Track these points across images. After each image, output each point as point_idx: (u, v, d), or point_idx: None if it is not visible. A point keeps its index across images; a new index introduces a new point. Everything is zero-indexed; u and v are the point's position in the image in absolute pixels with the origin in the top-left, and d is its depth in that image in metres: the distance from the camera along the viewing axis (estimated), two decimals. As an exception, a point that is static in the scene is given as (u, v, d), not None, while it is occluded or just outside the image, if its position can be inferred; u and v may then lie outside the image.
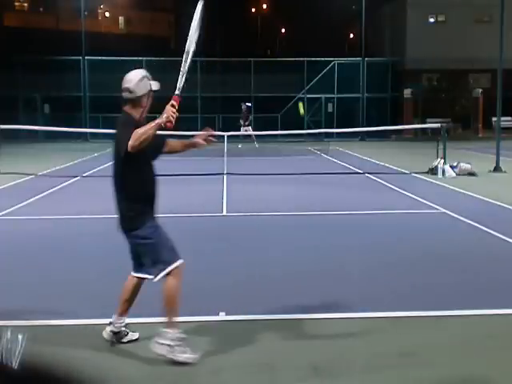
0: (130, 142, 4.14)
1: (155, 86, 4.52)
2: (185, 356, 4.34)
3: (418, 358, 4.57)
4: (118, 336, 4.80)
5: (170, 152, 4.86)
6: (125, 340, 4.81)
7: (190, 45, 4.48)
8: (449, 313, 5.57)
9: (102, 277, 6.81)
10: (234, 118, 28.60)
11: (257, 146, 27.03)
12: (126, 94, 4.47)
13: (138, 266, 4.63)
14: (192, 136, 4.98)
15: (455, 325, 5.33)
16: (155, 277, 4.46)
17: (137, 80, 4.45)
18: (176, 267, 4.41)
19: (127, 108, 4.51)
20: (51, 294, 6.23)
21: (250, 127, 27.82)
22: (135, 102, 4.46)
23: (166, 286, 4.41)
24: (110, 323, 4.79)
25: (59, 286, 6.51)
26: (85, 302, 5.88)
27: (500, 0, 17.66)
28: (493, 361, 4.55)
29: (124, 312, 4.79)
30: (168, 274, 4.39)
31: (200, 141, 4.86)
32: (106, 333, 4.81)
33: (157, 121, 4.19)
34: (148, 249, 4.46)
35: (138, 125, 4.30)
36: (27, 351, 1.98)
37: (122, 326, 4.80)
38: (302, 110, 7.09)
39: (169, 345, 4.35)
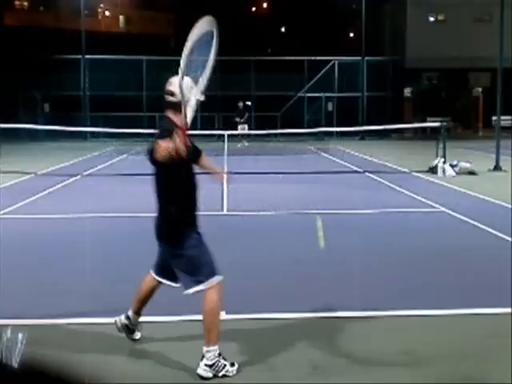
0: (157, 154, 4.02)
1: (200, 96, 4.33)
2: (225, 370, 4.28)
3: (418, 358, 4.57)
4: (128, 331, 4.82)
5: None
6: (131, 337, 4.83)
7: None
8: (449, 312, 5.57)
9: (102, 276, 6.81)
10: (234, 117, 28.57)
11: (247, 144, 27.03)
12: (168, 97, 4.28)
13: (166, 272, 4.49)
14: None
15: (455, 325, 5.34)
16: (189, 289, 4.31)
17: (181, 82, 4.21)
18: (218, 283, 4.31)
19: (169, 113, 4.32)
20: (51, 293, 6.23)
21: (246, 125, 27.77)
22: (177, 106, 4.23)
23: (206, 302, 4.28)
24: (128, 317, 4.77)
25: (59, 284, 6.51)
26: (85, 301, 5.88)
27: (500, -1, 17.67)
28: (493, 361, 4.55)
29: (138, 311, 4.78)
30: (208, 289, 4.27)
31: (218, 176, 4.86)
32: (120, 323, 4.78)
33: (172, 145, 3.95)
34: (190, 261, 4.30)
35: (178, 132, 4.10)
36: (27, 351, 1.98)
37: (136, 325, 4.82)
38: (321, 241, 7.11)
39: (212, 364, 4.26)
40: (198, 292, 4.31)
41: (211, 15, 4.38)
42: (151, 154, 4.14)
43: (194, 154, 4.45)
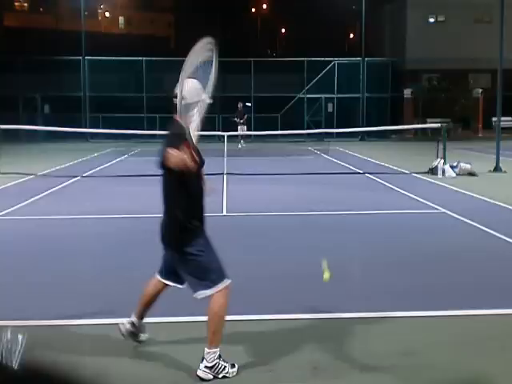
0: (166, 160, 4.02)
1: (208, 99, 4.35)
2: (225, 371, 4.28)
3: (418, 358, 4.57)
4: (134, 337, 4.78)
5: None
6: (137, 340, 4.80)
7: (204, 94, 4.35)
8: (449, 313, 5.57)
9: (102, 277, 6.80)
10: (233, 118, 28.57)
11: (244, 145, 27.14)
12: (176, 100, 4.24)
13: (172, 274, 4.48)
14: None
15: (455, 325, 5.34)
16: (197, 292, 4.28)
17: (190, 86, 4.23)
18: (225, 287, 4.30)
19: (177, 116, 4.29)
20: (51, 294, 6.23)
21: (245, 126, 27.85)
22: (186, 109, 4.24)
23: (213, 305, 4.26)
24: (133, 324, 4.73)
25: (59, 286, 6.50)
26: (85, 301, 5.88)
27: (500, 0, 17.67)
28: (493, 361, 4.55)
29: (142, 315, 4.74)
30: (215, 292, 4.26)
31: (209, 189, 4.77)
32: (125, 328, 4.73)
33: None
34: (197, 266, 4.27)
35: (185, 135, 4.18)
36: (27, 351, 1.98)
37: (141, 328, 4.78)
38: (326, 274, 6.89)
39: (211, 366, 4.25)
40: (206, 296, 4.29)
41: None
42: (160, 159, 4.10)
43: (202, 163, 4.43)
